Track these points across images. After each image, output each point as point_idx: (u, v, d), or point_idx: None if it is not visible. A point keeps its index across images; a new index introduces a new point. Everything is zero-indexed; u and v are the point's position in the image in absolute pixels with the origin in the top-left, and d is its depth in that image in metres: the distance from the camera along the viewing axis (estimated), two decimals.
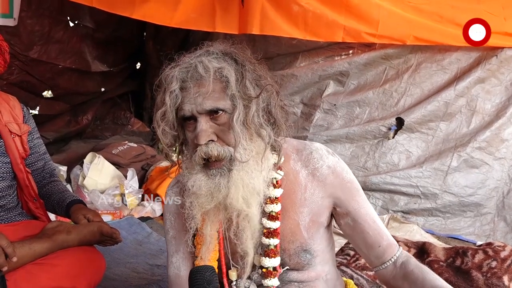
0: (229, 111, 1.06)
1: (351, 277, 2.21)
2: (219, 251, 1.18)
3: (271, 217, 1.13)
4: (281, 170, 1.16)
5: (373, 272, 1.29)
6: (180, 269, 1.25)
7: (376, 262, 1.23)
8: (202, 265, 1.07)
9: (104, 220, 1.83)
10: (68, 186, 3.29)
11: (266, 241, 1.13)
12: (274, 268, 1.14)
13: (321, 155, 1.18)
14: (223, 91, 1.06)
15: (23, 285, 1.48)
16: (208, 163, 1.07)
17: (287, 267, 1.16)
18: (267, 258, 1.13)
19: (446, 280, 2.08)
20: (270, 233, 1.13)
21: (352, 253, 2.34)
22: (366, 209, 1.20)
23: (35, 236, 1.63)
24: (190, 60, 1.09)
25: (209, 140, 1.06)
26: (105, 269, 1.75)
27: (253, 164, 1.08)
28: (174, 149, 1.18)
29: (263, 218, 1.14)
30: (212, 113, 1.06)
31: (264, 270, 1.14)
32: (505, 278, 2.00)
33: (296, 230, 1.16)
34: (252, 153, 1.08)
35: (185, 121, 1.10)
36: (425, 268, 1.20)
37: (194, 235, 1.18)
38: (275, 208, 1.13)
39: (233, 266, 1.18)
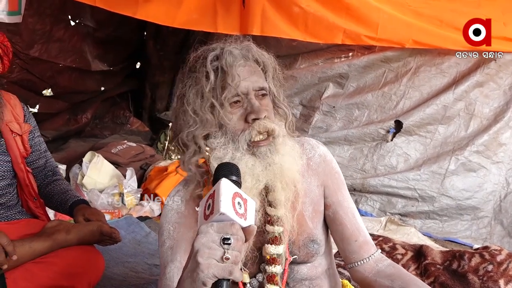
0: (269, 93, 1.14)
1: (349, 279, 2.23)
2: None
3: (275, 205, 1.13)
4: None
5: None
6: (172, 280, 1.08)
7: (351, 258, 1.22)
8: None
9: None
10: None
11: (270, 228, 1.12)
12: (278, 255, 1.11)
13: (312, 145, 1.24)
14: (262, 75, 1.14)
15: (22, 284, 1.49)
16: (252, 144, 1.06)
17: (295, 256, 1.15)
18: (270, 245, 1.11)
19: (443, 283, 2.10)
20: (275, 221, 1.12)
21: None
22: (349, 203, 1.24)
23: (35, 234, 1.64)
24: (229, 45, 1.13)
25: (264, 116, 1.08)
26: (104, 268, 1.76)
27: (288, 139, 1.15)
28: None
29: (267, 207, 1.12)
30: (260, 92, 1.11)
31: (268, 257, 1.11)
32: (501, 282, 2.02)
33: (302, 221, 1.17)
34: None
35: (230, 103, 1.07)
36: (409, 275, 1.19)
37: None
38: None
39: (243, 270, 1.12)
